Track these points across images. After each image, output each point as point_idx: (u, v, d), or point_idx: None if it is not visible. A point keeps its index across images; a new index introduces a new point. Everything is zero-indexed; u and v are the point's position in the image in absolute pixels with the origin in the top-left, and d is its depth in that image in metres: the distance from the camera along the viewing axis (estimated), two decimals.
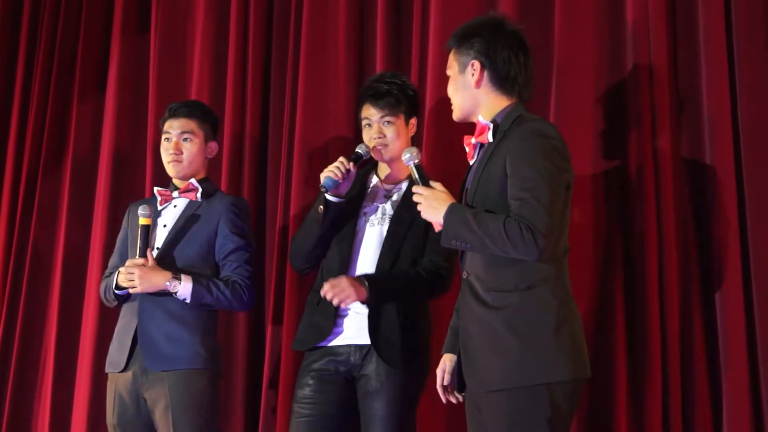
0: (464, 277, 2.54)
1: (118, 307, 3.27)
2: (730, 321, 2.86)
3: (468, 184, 2.61)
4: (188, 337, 3.11)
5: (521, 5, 3.33)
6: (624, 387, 2.96)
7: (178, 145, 3.26)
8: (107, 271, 3.36)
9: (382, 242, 3.02)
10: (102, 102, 4.30)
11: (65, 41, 4.45)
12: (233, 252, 3.21)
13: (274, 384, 3.55)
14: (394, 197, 3.09)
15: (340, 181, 2.96)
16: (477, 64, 2.61)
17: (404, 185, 3.10)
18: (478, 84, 2.61)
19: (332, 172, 2.95)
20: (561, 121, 3.17)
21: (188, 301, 3.10)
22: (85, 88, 4.36)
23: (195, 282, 3.10)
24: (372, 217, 3.06)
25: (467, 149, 2.65)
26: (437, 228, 2.53)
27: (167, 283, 3.08)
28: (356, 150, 3.05)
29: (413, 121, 3.14)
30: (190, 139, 3.27)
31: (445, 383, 2.68)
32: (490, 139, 2.56)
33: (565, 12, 3.24)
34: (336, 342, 2.99)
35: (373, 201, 3.10)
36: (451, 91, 2.67)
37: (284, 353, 3.48)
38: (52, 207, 4.33)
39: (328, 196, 2.99)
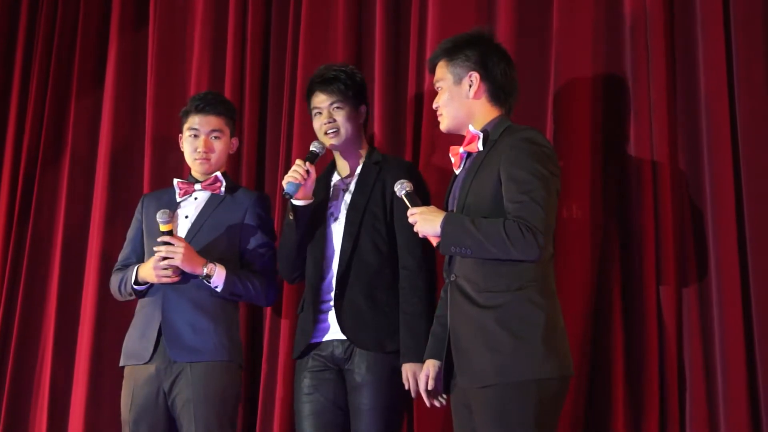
0: (452, 279, 2.58)
1: (132, 301, 3.27)
2: (728, 319, 2.87)
3: (456, 193, 2.65)
4: (214, 328, 3.10)
5: (520, 2, 3.34)
6: (621, 384, 2.97)
7: (208, 143, 3.25)
8: (119, 264, 3.34)
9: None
10: (100, 96, 4.30)
11: (63, 35, 4.45)
12: (258, 248, 3.21)
13: (272, 376, 3.56)
14: (352, 187, 3.13)
15: (302, 183, 3.00)
16: (476, 76, 2.66)
17: (358, 170, 3.14)
18: (477, 95, 2.66)
19: (292, 176, 3.00)
20: (559, 116, 3.18)
21: (220, 288, 3.08)
22: (84, 83, 4.36)
23: (228, 271, 3.09)
24: (337, 215, 3.10)
25: (453, 159, 2.71)
26: (434, 242, 2.56)
27: (205, 267, 3.06)
28: (311, 149, 3.09)
29: (363, 108, 3.19)
30: (219, 137, 3.28)
31: (429, 388, 2.73)
32: (480, 148, 2.62)
33: (563, 8, 3.24)
34: (323, 337, 3.04)
35: (336, 199, 3.14)
36: (444, 101, 2.71)
37: (282, 348, 3.50)
38: (50, 200, 4.34)
39: (295, 201, 3.03)
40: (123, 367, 3.23)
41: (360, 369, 2.96)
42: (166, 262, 3.06)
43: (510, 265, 2.48)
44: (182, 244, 3.06)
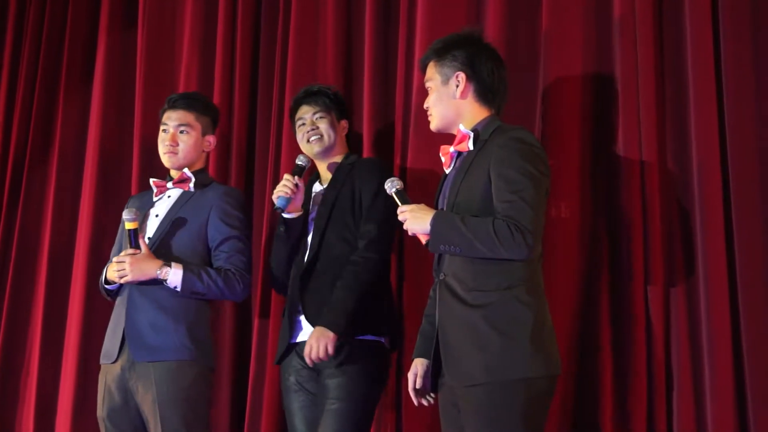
0: (441, 278, 2.59)
1: (113, 300, 3.27)
2: (715, 318, 2.87)
3: (446, 192, 2.66)
4: (175, 327, 3.09)
5: (510, 3, 3.35)
6: (609, 382, 2.97)
7: (174, 137, 3.27)
8: (107, 264, 3.34)
9: None
10: (89, 95, 4.31)
11: (52, 33, 4.45)
12: (225, 241, 3.20)
13: (260, 378, 3.56)
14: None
15: (292, 197, 3.04)
16: (462, 76, 2.69)
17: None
18: (464, 95, 2.69)
19: (282, 191, 3.04)
20: (548, 116, 3.19)
21: (179, 289, 3.08)
22: (72, 81, 4.36)
23: (186, 270, 3.09)
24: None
25: (443, 159, 2.72)
26: (423, 239, 2.57)
27: (158, 271, 3.07)
28: (296, 162, 3.15)
29: (344, 123, 3.29)
30: (187, 132, 3.29)
31: (417, 387, 2.73)
32: (471, 147, 2.63)
33: (552, 9, 3.25)
34: (298, 338, 3.08)
35: (316, 205, 3.18)
36: (432, 101, 2.74)
37: (271, 347, 3.49)
38: (38, 200, 4.34)
39: (286, 215, 3.07)
40: None
41: (326, 370, 2.98)
42: (122, 279, 3.10)
43: (499, 264, 2.48)
44: (128, 260, 3.08)
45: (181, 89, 3.98)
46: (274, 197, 3.06)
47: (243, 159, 3.85)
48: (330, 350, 2.88)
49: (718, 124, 2.98)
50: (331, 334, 2.90)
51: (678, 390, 2.93)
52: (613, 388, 2.97)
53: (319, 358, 2.89)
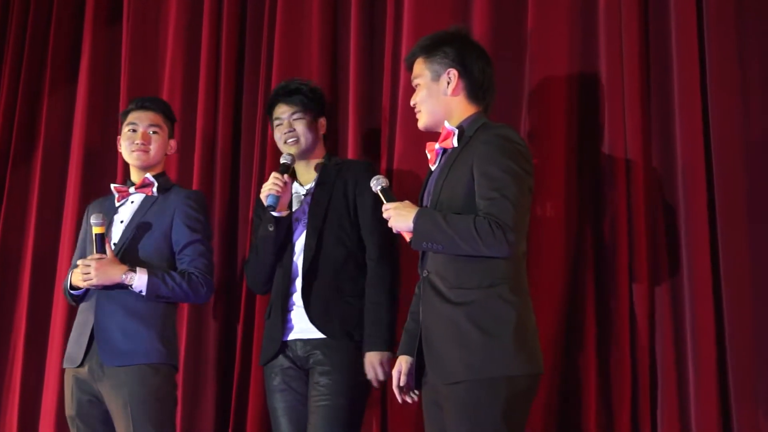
0: (424, 275, 2.59)
1: (77, 305, 3.26)
2: (700, 316, 2.88)
3: (430, 189, 2.66)
4: (145, 331, 3.10)
5: (495, 3, 3.34)
6: (593, 380, 2.98)
7: (146, 136, 3.28)
8: (69, 270, 3.33)
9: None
10: (74, 90, 4.29)
11: (36, 30, 4.43)
12: (188, 245, 3.20)
13: (245, 378, 3.55)
14: (312, 189, 3.18)
15: (282, 195, 3.03)
16: (454, 72, 2.68)
17: (317, 174, 3.20)
18: (455, 92, 2.68)
19: (274, 189, 3.02)
20: (534, 115, 3.19)
21: (144, 293, 3.09)
22: (57, 79, 4.34)
23: (150, 274, 3.09)
24: (303, 219, 3.15)
25: (429, 155, 2.72)
26: (407, 237, 2.57)
27: (123, 276, 3.07)
28: (282, 161, 3.13)
29: (323, 120, 3.27)
30: (158, 132, 3.30)
31: (401, 384, 2.73)
32: (455, 144, 2.64)
33: (539, 7, 3.25)
34: (288, 337, 3.08)
35: (299, 204, 3.18)
36: (421, 98, 2.72)
37: (255, 349, 3.48)
38: (22, 197, 4.32)
39: (275, 213, 3.06)
40: None
41: (319, 368, 2.99)
42: (87, 284, 3.10)
43: (481, 261, 2.48)
44: (93, 265, 3.08)
45: (165, 86, 3.97)
46: (263, 196, 3.04)
47: (228, 157, 3.84)
48: (386, 367, 2.95)
49: (702, 120, 2.98)
50: (386, 354, 2.96)
51: (662, 387, 2.94)
52: (597, 385, 2.98)
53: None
